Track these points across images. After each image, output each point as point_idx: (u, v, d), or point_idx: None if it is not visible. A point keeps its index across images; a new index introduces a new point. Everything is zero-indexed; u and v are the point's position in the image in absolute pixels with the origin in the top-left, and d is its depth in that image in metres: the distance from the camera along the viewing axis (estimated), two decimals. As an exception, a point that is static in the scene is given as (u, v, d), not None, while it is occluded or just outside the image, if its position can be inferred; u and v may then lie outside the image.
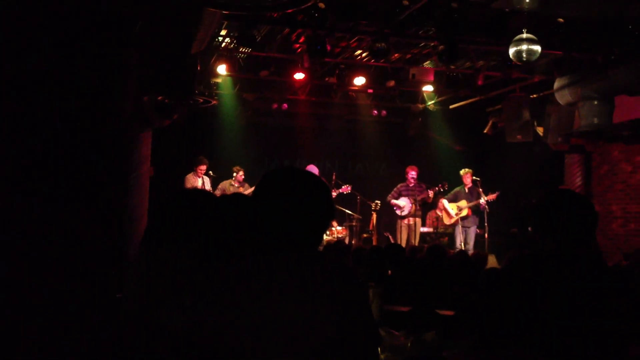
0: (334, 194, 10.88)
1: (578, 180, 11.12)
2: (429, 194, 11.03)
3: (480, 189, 10.79)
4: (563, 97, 9.93)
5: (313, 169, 10.93)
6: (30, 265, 1.81)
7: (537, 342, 2.39)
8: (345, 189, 11.07)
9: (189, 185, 10.33)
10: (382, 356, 2.38)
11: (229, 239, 2.13)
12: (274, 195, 1.86)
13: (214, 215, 2.21)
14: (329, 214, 1.91)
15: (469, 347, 2.52)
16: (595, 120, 9.46)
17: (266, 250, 1.80)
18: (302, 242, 1.82)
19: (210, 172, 10.90)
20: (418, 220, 11.09)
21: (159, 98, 7.73)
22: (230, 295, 1.72)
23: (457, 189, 11.12)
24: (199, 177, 10.56)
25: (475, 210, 10.81)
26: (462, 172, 11.09)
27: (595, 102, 9.42)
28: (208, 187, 10.65)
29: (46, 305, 1.67)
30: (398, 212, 11.09)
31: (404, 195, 11.09)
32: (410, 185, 11.09)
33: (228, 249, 2.09)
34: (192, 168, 10.60)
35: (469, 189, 10.95)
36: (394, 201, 11.11)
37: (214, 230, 2.14)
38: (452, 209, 10.98)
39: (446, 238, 11.38)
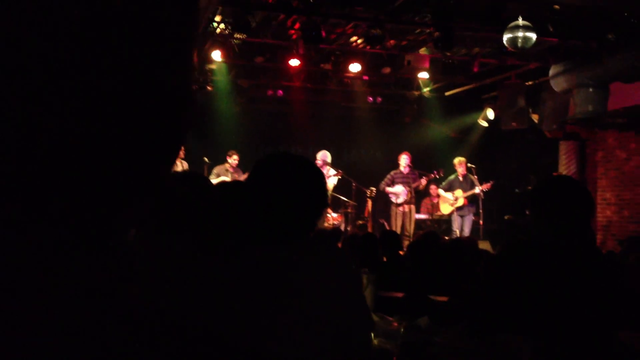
0: (336, 178, 10.87)
1: (573, 167, 11.15)
2: (421, 182, 11.03)
3: (475, 177, 10.81)
4: (558, 84, 9.94)
5: (325, 155, 10.85)
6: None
7: (529, 328, 2.41)
8: (339, 173, 11.01)
9: None
10: (375, 341, 2.39)
11: (223, 227, 2.13)
12: (266, 181, 1.86)
13: (205, 200, 2.20)
14: (322, 200, 1.91)
15: (461, 333, 2.54)
16: (590, 108, 9.48)
17: (259, 237, 1.81)
18: (295, 230, 1.83)
19: (205, 158, 10.85)
20: (413, 207, 11.10)
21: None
22: (224, 286, 1.72)
23: (451, 177, 11.13)
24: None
25: (471, 199, 10.84)
26: (455, 160, 11.09)
27: (590, 89, 9.44)
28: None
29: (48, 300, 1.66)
30: (393, 199, 11.09)
31: (399, 183, 11.08)
32: (405, 172, 11.09)
33: (222, 238, 2.09)
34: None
35: (463, 177, 10.96)
36: (389, 189, 11.11)
37: (207, 217, 2.14)
38: (450, 198, 11.00)
39: (443, 225, 11.43)
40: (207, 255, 1.85)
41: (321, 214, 1.93)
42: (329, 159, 10.86)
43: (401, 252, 5.75)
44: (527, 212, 2.64)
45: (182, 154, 10.35)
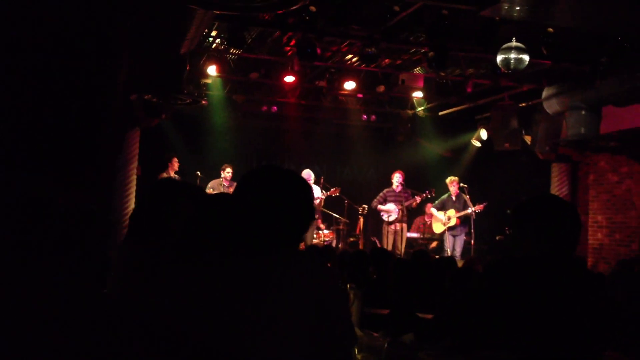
0: (322, 197, 10.88)
1: (564, 190, 11.19)
2: (416, 200, 11.05)
3: (468, 196, 10.82)
4: (551, 107, 10.00)
5: (308, 173, 10.92)
6: (14, 265, 1.80)
7: (513, 345, 2.40)
8: (334, 191, 11.03)
9: None
10: (359, 356, 2.38)
11: (208, 236, 2.12)
12: (253, 193, 1.86)
13: (191, 207, 2.20)
14: (308, 213, 1.91)
15: (445, 349, 2.53)
16: (582, 130, 9.53)
17: (245, 249, 1.80)
18: (281, 242, 1.83)
19: (199, 172, 10.86)
20: (404, 225, 11.10)
21: (147, 97, 7.70)
22: (208, 294, 1.72)
23: (443, 197, 11.14)
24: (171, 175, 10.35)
25: (463, 219, 10.85)
26: (448, 180, 11.11)
27: (583, 112, 9.49)
28: None
29: (31, 306, 1.65)
30: (385, 217, 11.09)
31: (391, 201, 11.09)
32: (397, 190, 11.10)
33: (207, 248, 2.09)
34: (166, 167, 10.45)
35: (456, 196, 10.97)
36: (381, 207, 11.11)
37: (193, 225, 2.13)
38: (442, 218, 10.99)
39: (435, 243, 11.43)
40: (190, 265, 1.85)
41: (307, 227, 1.92)
42: (311, 177, 10.91)
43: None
44: (509, 231, 2.63)
45: (176, 166, 10.38)
